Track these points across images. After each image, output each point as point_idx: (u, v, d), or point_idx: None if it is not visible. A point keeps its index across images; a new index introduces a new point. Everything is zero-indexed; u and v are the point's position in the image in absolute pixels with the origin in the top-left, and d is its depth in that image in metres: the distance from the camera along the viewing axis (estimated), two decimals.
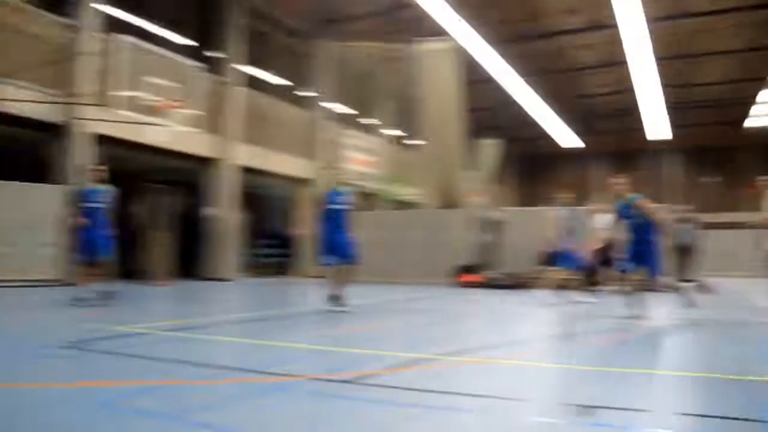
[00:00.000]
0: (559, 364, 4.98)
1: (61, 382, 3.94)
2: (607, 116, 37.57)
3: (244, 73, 19.19)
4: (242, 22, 18.83)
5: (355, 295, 8.64)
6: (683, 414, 3.35)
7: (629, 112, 35.11)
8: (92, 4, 14.15)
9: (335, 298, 8.33)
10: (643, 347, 6.13)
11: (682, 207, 14.22)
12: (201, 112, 13.80)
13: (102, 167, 9.32)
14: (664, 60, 25.07)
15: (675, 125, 35.50)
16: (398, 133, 29.35)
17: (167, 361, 4.62)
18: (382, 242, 15.73)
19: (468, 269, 16.24)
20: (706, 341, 6.56)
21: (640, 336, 6.74)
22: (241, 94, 18.61)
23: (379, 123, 27.06)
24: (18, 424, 2.93)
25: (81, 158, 13.53)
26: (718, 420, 3.17)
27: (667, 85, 28.75)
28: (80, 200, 8.89)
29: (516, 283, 15.23)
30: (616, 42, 22.78)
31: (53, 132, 13.67)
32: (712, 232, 25.08)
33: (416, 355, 5.02)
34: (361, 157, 24.17)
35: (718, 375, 4.39)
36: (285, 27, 21.88)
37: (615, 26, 20.82)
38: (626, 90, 30.89)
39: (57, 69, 13.38)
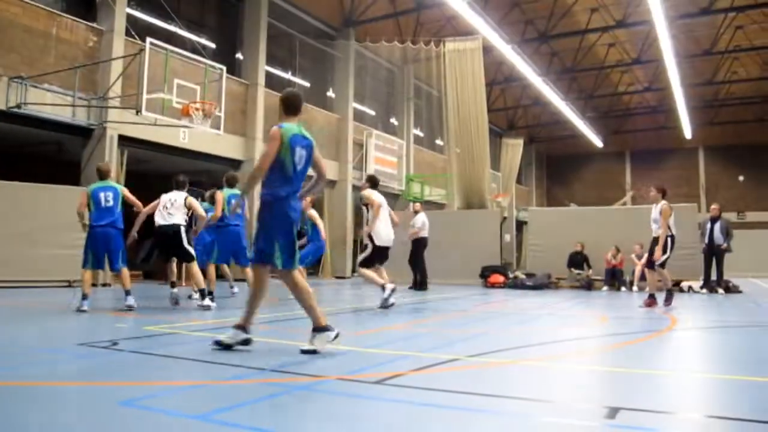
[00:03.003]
0: (587, 366, 4.85)
1: (78, 381, 3.92)
2: (635, 114, 37.10)
3: (268, 75, 19.23)
4: (265, 24, 18.89)
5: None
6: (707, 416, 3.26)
7: (660, 110, 34.62)
8: (120, 9, 14.35)
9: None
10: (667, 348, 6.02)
11: (714, 206, 13.89)
12: (223, 114, 13.85)
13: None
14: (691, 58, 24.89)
15: (706, 123, 34.89)
16: (422, 133, 29.22)
17: (190, 360, 4.61)
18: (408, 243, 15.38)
19: (494, 270, 16.09)
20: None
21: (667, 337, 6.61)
22: (263, 95, 18.60)
23: (404, 124, 26.97)
24: (21, 423, 2.89)
25: (109, 160, 13.65)
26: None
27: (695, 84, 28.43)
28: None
29: (541, 284, 15.12)
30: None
31: (82, 135, 13.90)
32: (747, 233, 24.64)
33: (445, 356, 4.87)
34: (385, 158, 24.40)
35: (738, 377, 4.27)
36: (310, 28, 21.94)
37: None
38: (657, 89, 30.52)
39: (86, 73, 13.60)
